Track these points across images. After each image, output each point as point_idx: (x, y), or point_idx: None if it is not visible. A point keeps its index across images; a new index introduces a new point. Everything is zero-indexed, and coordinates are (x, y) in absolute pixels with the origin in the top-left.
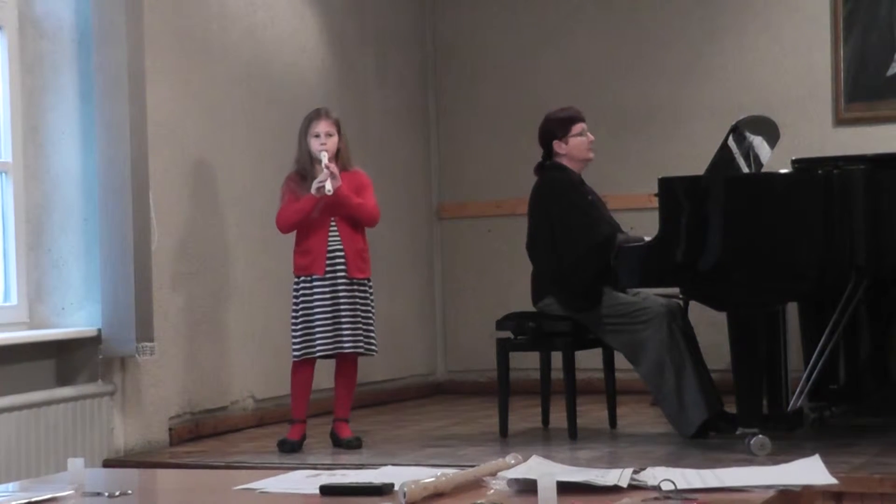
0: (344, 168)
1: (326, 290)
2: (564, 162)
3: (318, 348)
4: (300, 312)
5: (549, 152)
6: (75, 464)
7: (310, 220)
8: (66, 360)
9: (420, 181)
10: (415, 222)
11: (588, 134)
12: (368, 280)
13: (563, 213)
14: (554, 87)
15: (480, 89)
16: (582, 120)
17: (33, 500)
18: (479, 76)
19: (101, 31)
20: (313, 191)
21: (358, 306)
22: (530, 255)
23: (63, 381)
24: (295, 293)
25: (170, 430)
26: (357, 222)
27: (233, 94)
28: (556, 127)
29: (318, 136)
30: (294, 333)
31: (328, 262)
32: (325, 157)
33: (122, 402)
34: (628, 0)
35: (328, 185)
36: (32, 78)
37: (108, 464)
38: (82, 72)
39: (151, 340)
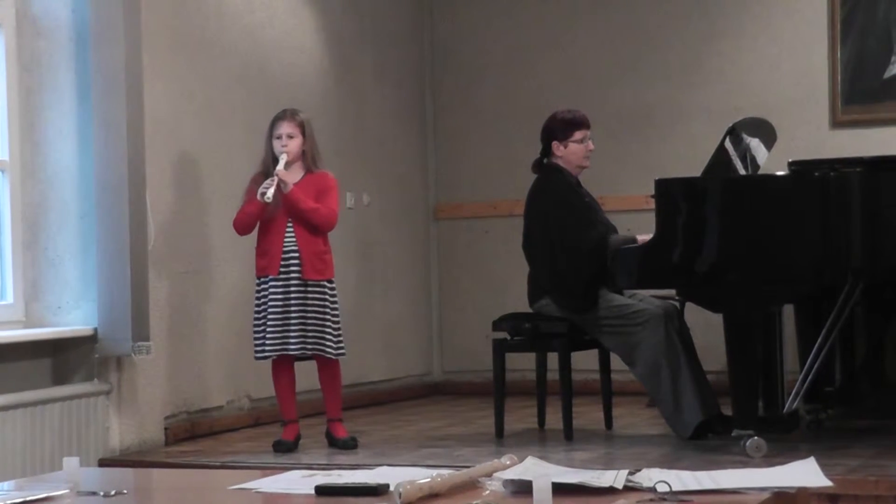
0: (309, 170)
1: (279, 291)
2: (561, 164)
3: (268, 349)
4: (260, 313)
5: (547, 150)
6: (71, 463)
7: (267, 221)
8: (61, 359)
9: (417, 181)
10: (411, 222)
11: (589, 142)
12: (329, 282)
13: (558, 216)
14: (551, 88)
15: (478, 90)
16: (586, 127)
17: (28, 499)
18: (477, 77)
19: (99, 29)
20: (258, 196)
21: (310, 308)
22: (526, 256)
23: (59, 380)
24: (256, 294)
25: (165, 429)
26: (313, 226)
27: (230, 94)
28: (558, 128)
29: (279, 137)
30: (255, 334)
31: (283, 263)
32: (282, 161)
33: (117, 401)
34: (626, 1)
35: (269, 193)
36: (30, 76)
37: (103, 463)
38: (80, 70)
39: (147, 340)
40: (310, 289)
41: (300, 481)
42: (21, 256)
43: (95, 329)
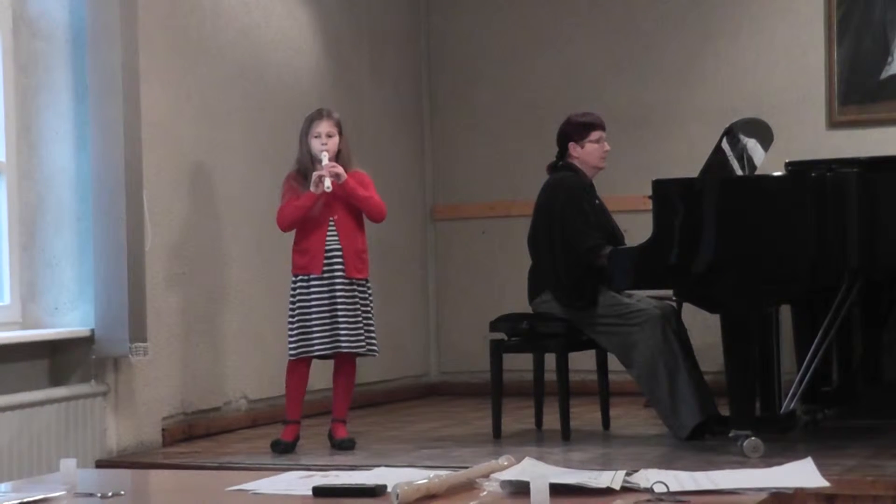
0: (344, 168)
1: (324, 289)
2: (577, 164)
3: (316, 348)
4: (297, 312)
5: (563, 153)
6: (68, 464)
7: (309, 218)
8: (59, 360)
9: (414, 182)
10: (409, 223)
11: (605, 143)
12: (367, 280)
13: (564, 213)
14: (548, 89)
15: (474, 91)
16: (602, 128)
17: (25, 500)
18: (474, 77)
19: (96, 31)
20: (312, 187)
21: (358, 306)
22: (531, 250)
23: (56, 381)
24: (292, 292)
25: (163, 430)
26: (360, 220)
27: (227, 95)
28: (574, 130)
29: (318, 136)
30: (290, 333)
31: (326, 261)
32: (325, 158)
33: (114, 402)
34: (623, 2)
35: (327, 182)
36: (26, 77)
37: (100, 464)
38: (76, 72)
39: (144, 341)
40: (354, 287)
41: (298, 482)
42: (18, 257)
43: (92, 330)
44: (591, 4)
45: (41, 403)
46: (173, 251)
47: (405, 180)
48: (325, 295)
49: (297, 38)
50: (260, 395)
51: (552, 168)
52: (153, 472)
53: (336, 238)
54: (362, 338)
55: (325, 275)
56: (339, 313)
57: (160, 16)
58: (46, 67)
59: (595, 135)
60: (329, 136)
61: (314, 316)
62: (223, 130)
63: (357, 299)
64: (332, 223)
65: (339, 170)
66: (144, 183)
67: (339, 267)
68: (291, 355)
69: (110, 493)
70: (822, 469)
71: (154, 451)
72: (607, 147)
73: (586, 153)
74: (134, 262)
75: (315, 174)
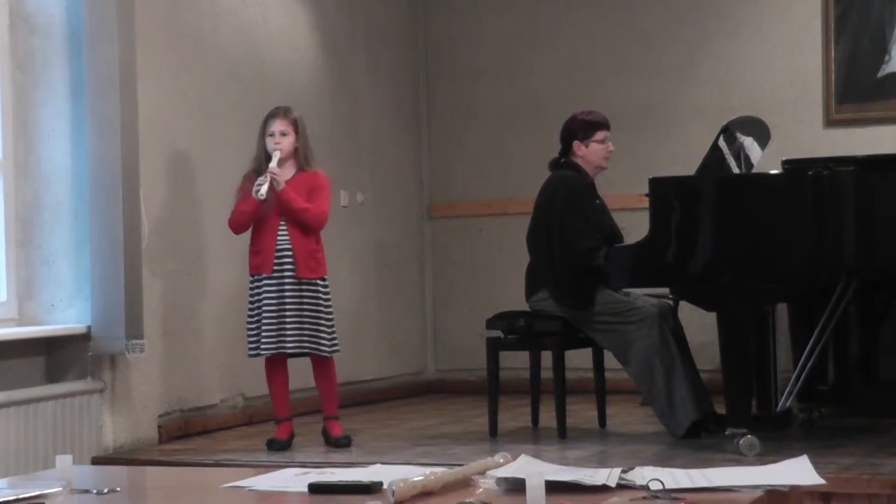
0: (301, 168)
1: (273, 289)
2: (580, 163)
3: (263, 347)
4: (253, 311)
5: (566, 150)
6: (64, 461)
7: (261, 219)
8: (55, 357)
9: (411, 180)
10: (406, 221)
11: (609, 144)
12: (322, 280)
13: (564, 213)
14: (546, 88)
15: (472, 89)
16: (607, 128)
17: (21, 496)
18: (471, 76)
19: (93, 27)
20: (252, 193)
21: (305, 306)
22: (530, 247)
23: (52, 378)
24: (250, 292)
25: (159, 427)
26: (303, 225)
27: (224, 92)
28: (579, 128)
29: (272, 135)
30: (248, 332)
31: (276, 261)
32: (274, 158)
33: (111, 399)
34: (622, 1)
35: (262, 190)
36: (23, 74)
37: (96, 461)
38: (73, 68)
39: (141, 338)
40: (304, 287)
41: (293, 479)
42: (14, 254)
43: (89, 327)
44: (589, 4)
45: (38, 400)
46: (169, 248)
47: (402, 178)
48: (274, 295)
49: (295, 36)
50: (256, 392)
51: (554, 165)
52: (149, 469)
53: (287, 238)
54: (308, 337)
55: (275, 274)
56: (287, 313)
57: (157, 13)
58: (43, 64)
59: (600, 134)
60: (283, 134)
61: (264, 315)
62: (220, 128)
63: (306, 299)
64: (282, 224)
65: (278, 177)
66: (141, 180)
67: (290, 267)
68: (249, 355)
69: (106, 490)
70: (818, 467)
71: (150, 447)
72: (611, 147)
73: (590, 152)
74: (130, 260)
75: (255, 184)
